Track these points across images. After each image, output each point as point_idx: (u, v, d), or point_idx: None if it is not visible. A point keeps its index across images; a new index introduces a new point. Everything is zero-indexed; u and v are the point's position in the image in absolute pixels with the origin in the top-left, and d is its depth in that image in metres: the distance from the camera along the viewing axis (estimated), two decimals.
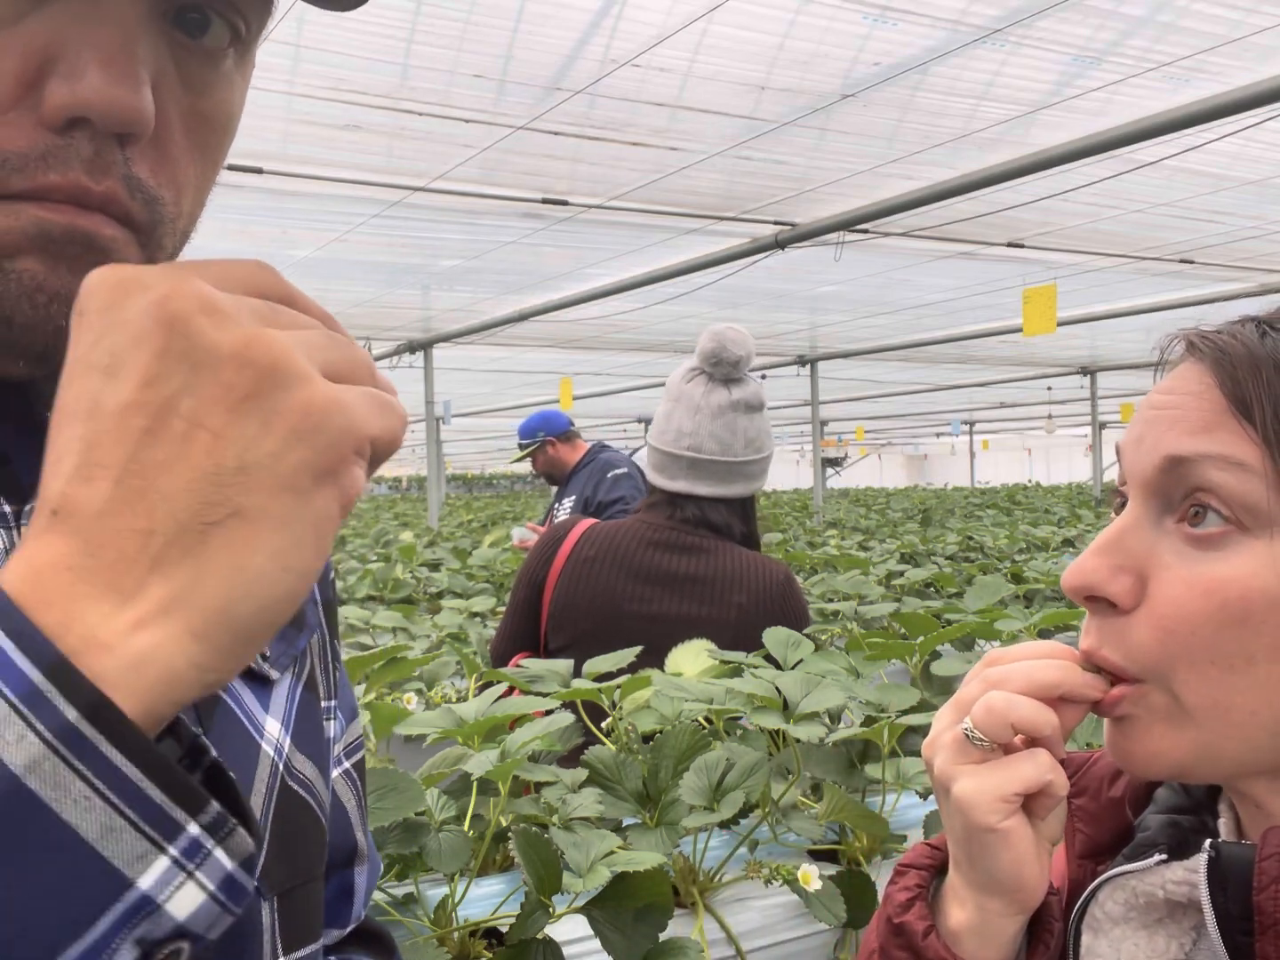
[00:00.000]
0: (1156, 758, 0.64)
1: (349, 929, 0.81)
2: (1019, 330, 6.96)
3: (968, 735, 0.67)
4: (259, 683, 0.67)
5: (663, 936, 1.15)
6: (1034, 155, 5.05)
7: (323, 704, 0.76)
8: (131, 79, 0.52)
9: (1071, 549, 6.19)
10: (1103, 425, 17.11)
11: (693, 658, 1.84)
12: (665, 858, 1.19)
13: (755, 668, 1.58)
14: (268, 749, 0.65)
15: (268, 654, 0.68)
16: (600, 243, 6.92)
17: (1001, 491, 20.01)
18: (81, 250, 0.54)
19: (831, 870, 1.36)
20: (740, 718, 1.50)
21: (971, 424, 27.84)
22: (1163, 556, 0.63)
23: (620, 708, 1.59)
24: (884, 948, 0.73)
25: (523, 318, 9.15)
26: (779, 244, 6.61)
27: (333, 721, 0.77)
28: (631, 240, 6.86)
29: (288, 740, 0.68)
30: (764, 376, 13.53)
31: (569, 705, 1.56)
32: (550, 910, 1.13)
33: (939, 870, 0.76)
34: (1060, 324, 6.80)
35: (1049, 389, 17.57)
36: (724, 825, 1.32)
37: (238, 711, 0.64)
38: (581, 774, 1.37)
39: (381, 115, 4.62)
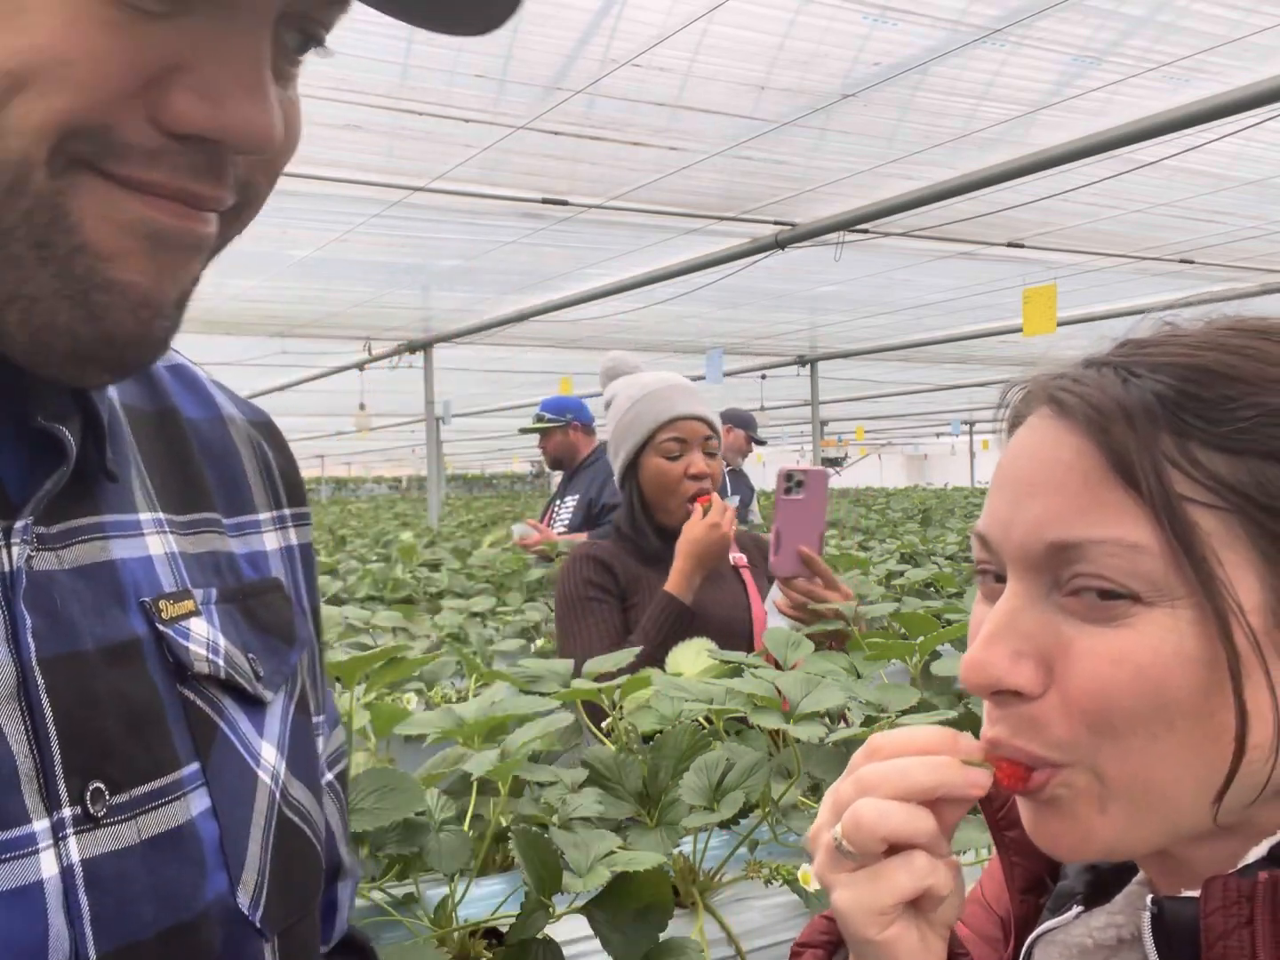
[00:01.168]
0: (1085, 841, 0.61)
1: (333, 943, 0.79)
2: (1019, 330, 6.95)
3: (838, 845, 0.63)
4: (253, 706, 0.64)
5: (663, 936, 1.15)
6: (1034, 155, 5.05)
7: (314, 720, 0.73)
8: (268, 104, 0.50)
9: None
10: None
11: (693, 657, 1.84)
12: (665, 858, 1.19)
13: (755, 668, 1.58)
14: (265, 778, 0.63)
15: (261, 674, 0.65)
16: (600, 243, 6.92)
17: None
18: (190, 254, 0.52)
19: None
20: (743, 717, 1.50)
21: (971, 424, 27.82)
22: (1063, 634, 0.60)
23: (620, 708, 1.59)
24: None
25: (523, 318, 9.14)
26: (779, 244, 6.60)
27: (321, 737, 0.74)
28: (631, 240, 6.86)
29: (284, 766, 0.65)
30: (764, 376, 13.54)
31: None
32: (550, 910, 1.13)
33: (837, 946, 0.73)
34: (1060, 324, 6.79)
35: None
36: (724, 825, 1.32)
37: (234, 740, 0.61)
38: (581, 774, 1.38)
39: (381, 115, 4.62)
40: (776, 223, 6.52)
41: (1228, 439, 0.58)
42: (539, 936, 1.13)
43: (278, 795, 0.63)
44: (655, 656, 1.92)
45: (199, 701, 0.60)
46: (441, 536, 7.84)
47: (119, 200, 0.49)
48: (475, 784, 1.32)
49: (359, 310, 9.26)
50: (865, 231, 6.45)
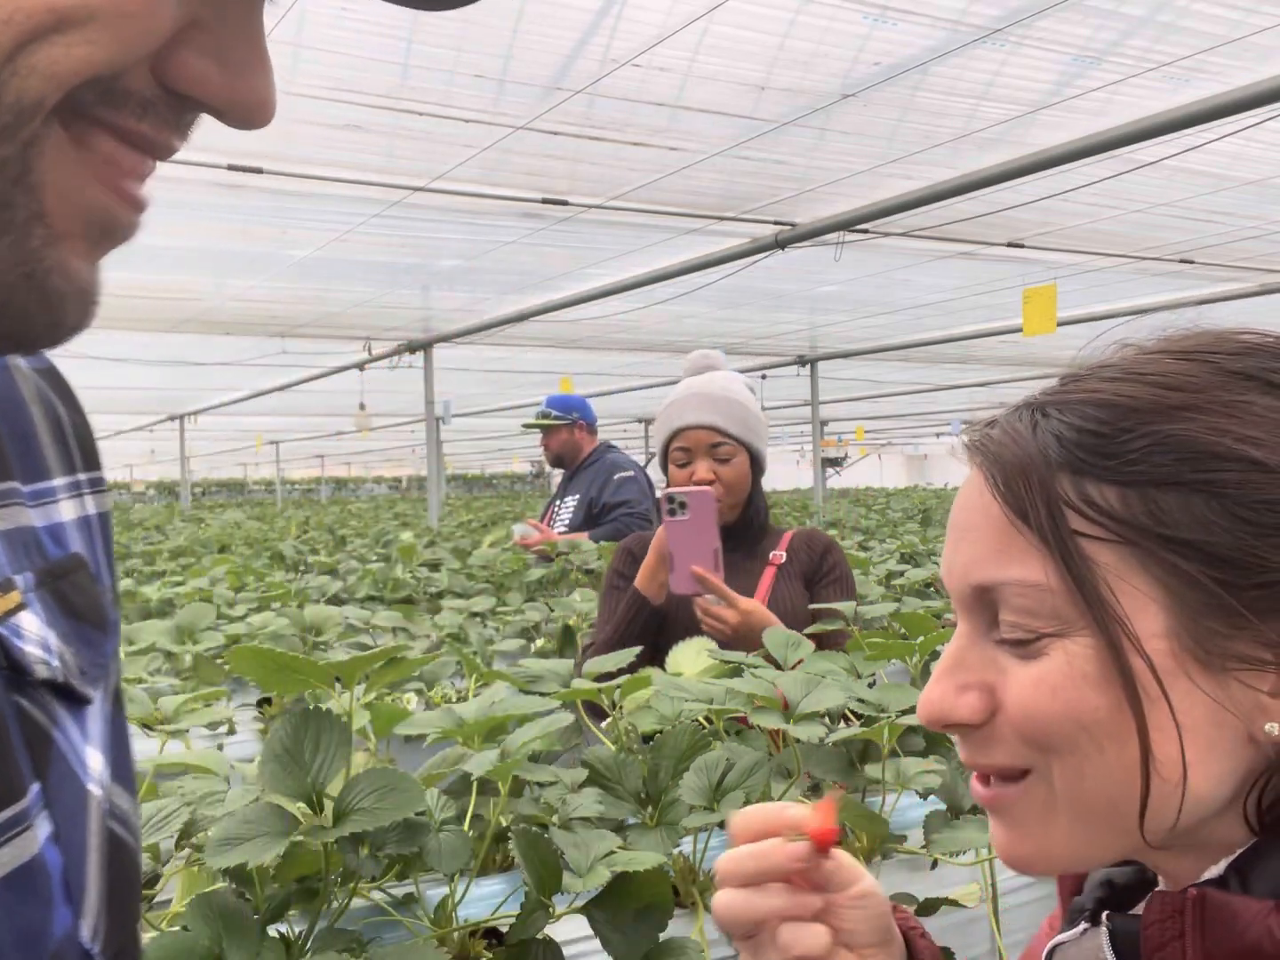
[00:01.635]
0: (1042, 853, 0.65)
1: None
2: (1019, 330, 6.95)
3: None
4: (78, 707, 0.55)
5: (663, 936, 1.15)
6: (1034, 155, 5.05)
7: (127, 718, 0.63)
8: (273, 80, 0.47)
9: None
10: None
11: (693, 657, 1.84)
12: (665, 858, 1.19)
13: (755, 668, 1.58)
14: (94, 789, 0.54)
15: (84, 667, 0.55)
16: (600, 243, 6.92)
17: None
18: (121, 241, 0.48)
19: None
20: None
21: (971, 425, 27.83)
22: (1001, 666, 0.64)
23: (620, 708, 1.59)
24: None
25: (523, 318, 9.14)
26: (779, 244, 6.60)
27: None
28: (631, 240, 6.86)
29: (108, 773, 0.57)
30: (764, 376, 13.54)
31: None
32: (550, 910, 1.13)
33: None
34: (1060, 324, 6.79)
35: None
36: (724, 825, 1.31)
37: (67, 751, 0.53)
38: (581, 774, 1.38)
39: (381, 115, 4.62)
40: (776, 223, 6.52)
41: (1119, 472, 0.61)
42: (539, 936, 1.13)
43: (106, 807, 0.55)
44: (627, 642, 2.07)
45: (34, 711, 0.50)
46: (441, 536, 7.85)
47: (84, 179, 0.45)
48: (475, 784, 1.32)
49: (359, 310, 9.26)
50: (865, 231, 6.45)
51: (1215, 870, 0.62)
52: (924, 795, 1.51)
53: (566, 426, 5.12)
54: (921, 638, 1.75)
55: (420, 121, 4.69)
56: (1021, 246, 7.16)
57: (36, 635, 0.52)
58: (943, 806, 1.45)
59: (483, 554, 5.07)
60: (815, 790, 1.51)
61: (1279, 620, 0.59)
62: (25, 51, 0.41)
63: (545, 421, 5.15)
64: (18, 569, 0.53)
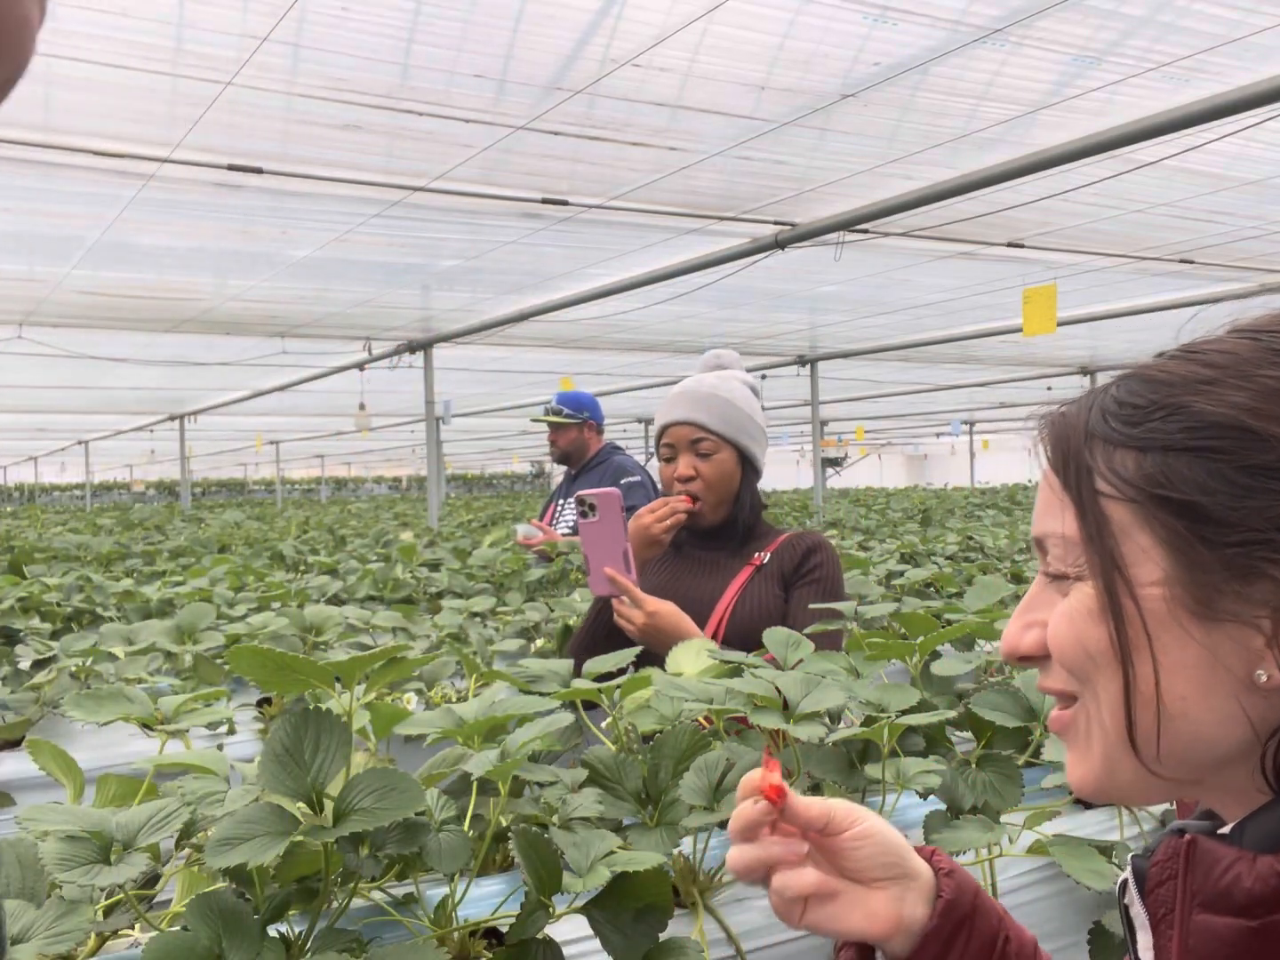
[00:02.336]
0: (1087, 777, 0.73)
1: None
2: (1019, 330, 6.95)
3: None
4: None
5: (663, 936, 1.15)
6: (1034, 155, 5.05)
7: None
8: None
9: None
10: None
11: (693, 657, 1.84)
12: (665, 858, 1.19)
13: (755, 668, 1.58)
14: None
15: None
16: (600, 243, 6.92)
17: (1002, 491, 20.01)
18: None
19: None
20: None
21: (971, 424, 27.83)
22: (1055, 606, 0.74)
23: (620, 707, 1.59)
24: None
25: (523, 318, 9.14)
26: (779, 244, 6.60)
27: None
28: (631, 240, 6.86)
29: None
30: (764, 376, 13.53)
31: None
32: (550, 910, 1.13)
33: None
34: (1060, 324, 6.79)
35: (1049, 389, 17.55)
36: (724, 825, 1.31)
37: None
38: (581, 774, 1.38)
39: (381, 115, 4.62)
40: (776, 223, 6.53)
41: (1139, 440, 0.69)
42: (539, 936, 1.13)
43: None
44: (592, 643, 2.22)
45: None
46: (441, 536, 7.84)
47: None
48: (475, 784, 1.32)
49: (359, 310, 9.26)
50: (865, 231, 6.45)
51: (1227, 829, 0.68)
52: (924, 795, 1.51)
53: (576, 425, 5.09)
54: (921, 638, 1.75)
55: (420, 121, 4.69)
56: (1021, 246, 7.16)
57: None
58: (943, 806, 1.45)
59: (483, 554, 5.07)
60: (816, 790, 1.51)
61: (1262, 579, 0.64)
62: None
63: (556, 419, 5.11)
64: None
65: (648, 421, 20.32)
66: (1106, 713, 0.70)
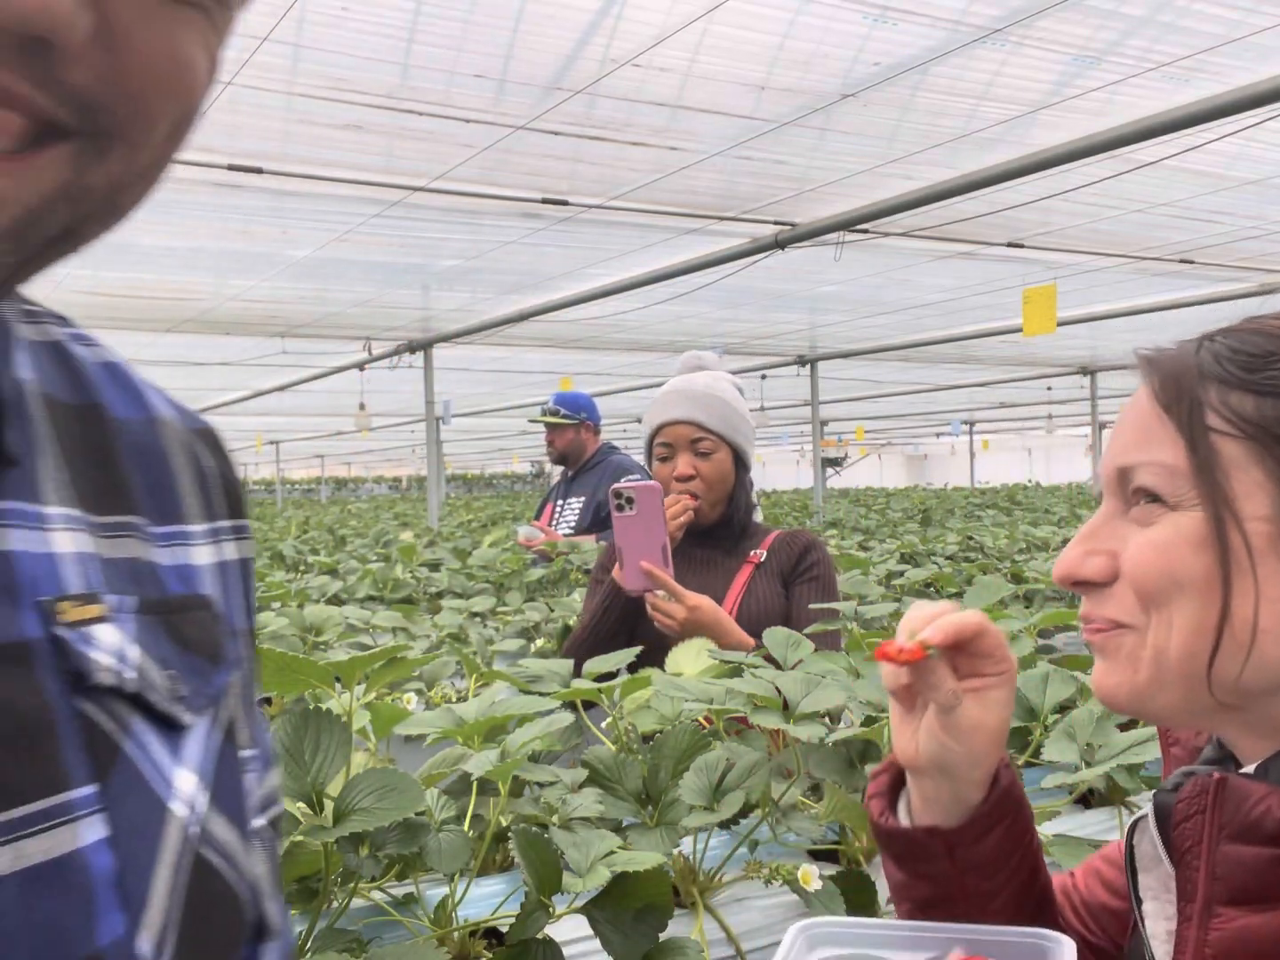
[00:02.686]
0: (1121, 690, 0.77)
1: None
2: (1019, 330, 6.95)
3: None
4: (169, 729, 0.55)
5: (663, 936, 1.15)
6: (1034, 155, 5.05)
7: (242, 753, 0.64)
8: None
9: None
10: (1103, 425, 17.10)
11: (693, 657, 1.84)
12: (665, 858, 1.19)
13: (755, 668, 1.58)
14: (179, 810, 0.54)
15: (182, 694, 0.56)
16: (600, 243, 6.92)
17: (1001, 491, 20.01)
18: None
19: (831, 870, 1.36)
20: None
21: (971, 424, 27.82)
22: (1125, 536, 0.78)
23: (620, 707, 1.59)
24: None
25: (523, 318, 9.14)
26: (779, 244, 6.60)
27: (253, 774, 0.65)
28: (631, 240, 6.86)
29: (205, 799, 0.57)
30: (764, 376, 13.55)
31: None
32: (550, 910, 1.13)
33: (898, 788, 0.95)
34: (1060, 324, 6.79)
35: (1049, 389, 17.56)
36: (724, 825, 1.31)
37: (142, 765, 0.53)
38: (581, 774, 1.38)
39: (381, 115, 4.62)
40: (776, 223, 6.53)
41: (1258, 384, 0.74)
42: (539, 936, 1.13)
43: (195, 831, 0.55)
44: (598, 641, 2.20)
45: (100, 717, 0.52)
46: (441, 536, 7.84)
47: None
48: (475, 784, 1.32)
49: (359, 310, 9.26)
50: (865, 231, 6.45)
51: (1250, 769, 0.74)
52: None
53: (574, 426, 5.09)
54: None
55: (420, 121, 4.69)
56: (1021, 246, 7.16)
57: (112, 647, 0.53)
58: None
59: (483, 554, 5.07)
60: (815, 790, 1.52)
61: None
62: None
63: (553, 419, 5.11)
64: (118, 591, 0.56)
65: None
66: (1178, 639, 0.73)
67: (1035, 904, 0.92)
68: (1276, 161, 5.37)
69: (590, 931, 1.15)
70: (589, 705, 1.65)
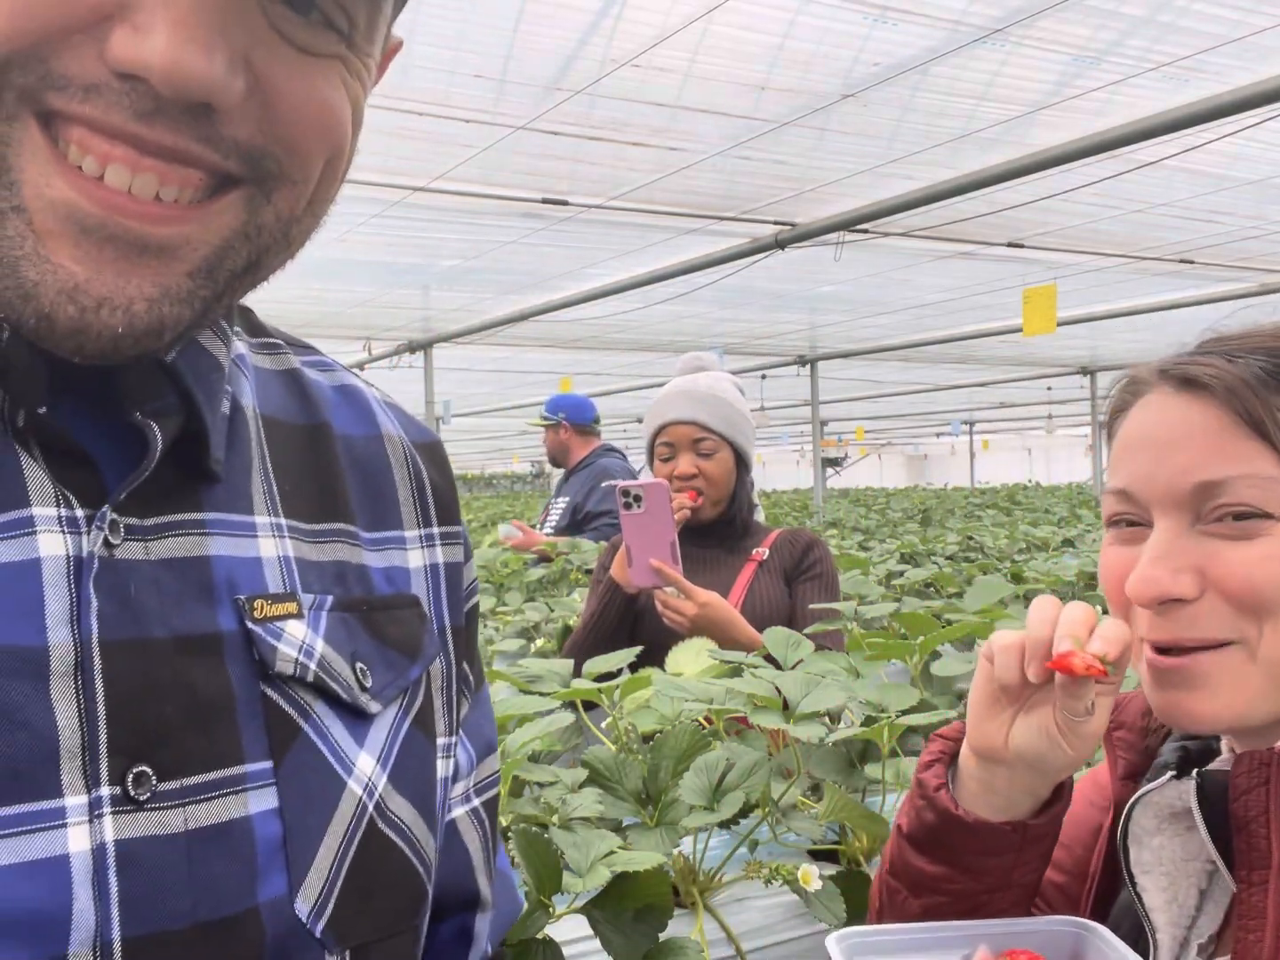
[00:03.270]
0: (1225, 710, 0.79)
1: None
2: (1019, 330, 6.95)
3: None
4: (354, 715, 0.63)
5: (663, 936, 1.15)
6: (1034, 155, 5.05)
7: (439, 741, 0.70)
8: (201, 43, 0.49)
9: (1071, 548, 6.19)
10: (1103, 425, 17.11)
11: (693, 657, 1.84)
12: (665, 858, 1.19)
13: (755, 668, 1.58)
14: (355, 787, 0.61)
15: (369, 684, 0.64)
16: (600, 243, 6.92)
17: (1001, 491, 20.02)
18: (138, 254, 0.51)
19: (831, 870, 1.36)
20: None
21: (971, 424, 27.82)
22: (1210, 551, 0.78)
23: (620, 707, 1.59)
24: (909, 798, 0.92)
25: (523, 318, 9.15)
26: (779, 244, 6.60)
27: (450, 760, 0.72)
28: (632, 240, 6.86)
29: (384, 779, 0.64)
30: (764, 376, 13.54)
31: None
32: (550, 910, 1.13)
33: (960, 744, 0.92)
34: (1060, 324, 6.79)
35: (1049, 389, 17.57)
36: (724, 825, 1.31)
37: (321, 746, 0.60)
38: (581, 774, 1.38)
39: (381, 115, 4.62)
40: (776, 223, 6.52)
41: None
42: (539, 936, 1.13)
43: (370, 806, 0.62)
44: (598, 639, 2.21)
45: (282, 702, 0.59)
46: None
47: (53, 173, 0.49)
48: None
49: (359, 310, 9.26)
50: (865, 231, 6.45)
51: None
52: None
53: (552, 427, 5.10)
54: (921, 638, 1.75)
55: (420, 121, 4.69)
56: (1021, 246, 7.16)
57: (298, 640, 0.61)
58: None
59: (482, 554, 5.07)
60: (815, 790, 1.52)
61: None
62: None
63: (538, 422, 5.16)
64: (317, 590, 0.64)
65: None
66: None
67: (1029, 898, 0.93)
68: (1276, 161, 5.37)
69: (590, 931, 1.15)
70: (589, 705, 1.65)
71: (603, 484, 4.73)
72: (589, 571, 4.29)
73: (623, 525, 2.17)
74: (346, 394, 0.75)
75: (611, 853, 1.16)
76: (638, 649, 1.77)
